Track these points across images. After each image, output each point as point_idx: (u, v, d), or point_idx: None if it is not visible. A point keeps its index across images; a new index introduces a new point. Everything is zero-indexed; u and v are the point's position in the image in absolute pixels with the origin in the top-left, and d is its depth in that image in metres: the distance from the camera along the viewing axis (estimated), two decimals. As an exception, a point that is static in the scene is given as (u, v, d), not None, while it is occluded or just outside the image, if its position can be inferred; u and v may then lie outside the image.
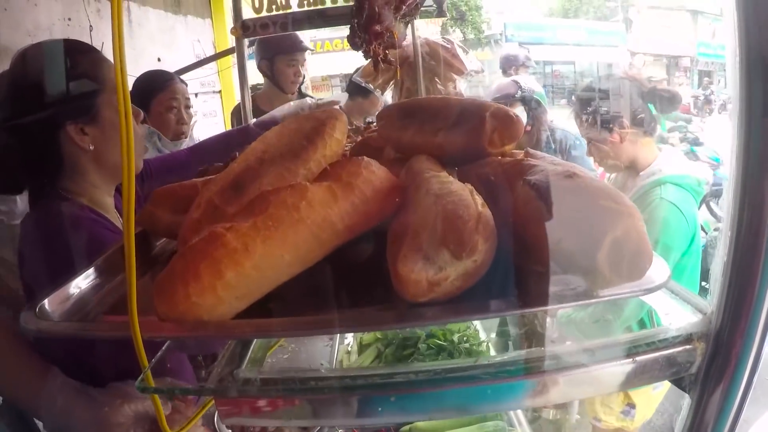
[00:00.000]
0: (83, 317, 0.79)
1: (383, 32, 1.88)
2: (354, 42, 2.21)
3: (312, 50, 3.03)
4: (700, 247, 2.02)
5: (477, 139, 0.87)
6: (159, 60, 4.45)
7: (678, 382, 0.73)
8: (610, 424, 2.24)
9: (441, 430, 1.54)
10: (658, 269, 0.65)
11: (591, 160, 3.26)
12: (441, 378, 0.65)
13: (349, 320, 0.65)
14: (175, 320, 0.62)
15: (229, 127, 3.41)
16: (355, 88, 3.02)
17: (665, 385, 1.98)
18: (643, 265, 0.60)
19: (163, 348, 0.72)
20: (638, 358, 0.68)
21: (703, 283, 3.78)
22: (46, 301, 0.76)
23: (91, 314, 0.80)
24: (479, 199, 0.63)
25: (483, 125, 0.86)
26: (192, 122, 2.44)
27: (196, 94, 5.05)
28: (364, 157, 0.81)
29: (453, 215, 0.59)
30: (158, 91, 2.31)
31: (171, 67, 4.23)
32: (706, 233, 3.83)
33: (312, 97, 3.55)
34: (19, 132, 1.20)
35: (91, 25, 3.45)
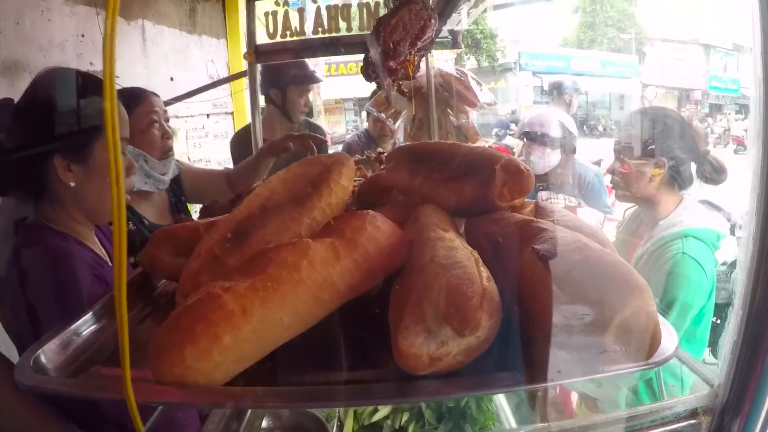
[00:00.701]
0: (81, 368, 0.76)
1: (398, 69, 1.88)
2: (367, 74, 2.21)
3: (322, 80, 3.03)
4: (714, 301, 1.91)
5: (486, 192, 0.85)
6: (172, 79, 4.46)
7: None
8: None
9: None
10: (667, 338, 0.62)
11: (606, 195, 3.23)
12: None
13: (347, 392, 0.62)
14: (170, 383, 0.59)
15: (229, 155, 3.38)
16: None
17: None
18: (651, 348, 0.58)
19: (156, 413, 0.70)
20: None
21: (714, 319, 3.71)
22: (41, 352, 0.74)
23: (89, 365, 0.77)
24: (485, 272, 0.61)
25: (493, 178, 0.84)
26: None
27: (208, 115, 5.05)
28: (369, 211, 0.79)
29: (456, 291, 0.57)
30: (134, 107, 2.08)
31: (184, 87, 4.26)
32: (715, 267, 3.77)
33: (318, 126, 3.56)
34: (16, 146, 1.23)
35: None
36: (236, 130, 3.52)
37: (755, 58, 0.61)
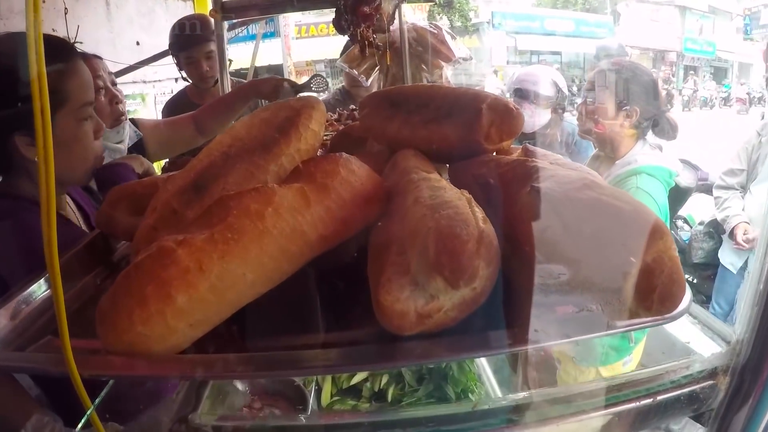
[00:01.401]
0: (32, 338, 0.68)
1: (372, 14, 1.77)
2: (340, 25, 2.11)
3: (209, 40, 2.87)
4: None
5: (472, 134, 0.77)
6: (138, 44, 4.30)
7: (697, 418, 0.64)
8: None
9: None
10: None
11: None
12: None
13: (322, 359, 0.54)
14: (120, 353, 0.51)
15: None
16: None
17: (634, 361, 1.98)
18: (675, 299, 0.50)
19: (107, 387, 0.61)
20: (659, 398, 0.60)
21: (688, 276, 3.76)
22: None
23: (41, 335, 0.69)
24: (480, 212, 0.52)
25: (479, 118, 0.76)
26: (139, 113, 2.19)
27: (176, 79, 4.87)
28: (343, 153, 0.70)
29: (449, 234, 0.47)
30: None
31: (151, 51, 4.07)
32: (691, 227, 3.81)
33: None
34: None
35: (66, 8, 3.30)
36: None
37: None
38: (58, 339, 0.64)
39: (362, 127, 1.07)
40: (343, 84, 3.43)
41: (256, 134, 0.82)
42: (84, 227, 1.40)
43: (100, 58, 1.94)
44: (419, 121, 0.88)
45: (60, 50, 1.21)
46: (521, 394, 0.61)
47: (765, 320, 0.59)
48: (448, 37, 2.81)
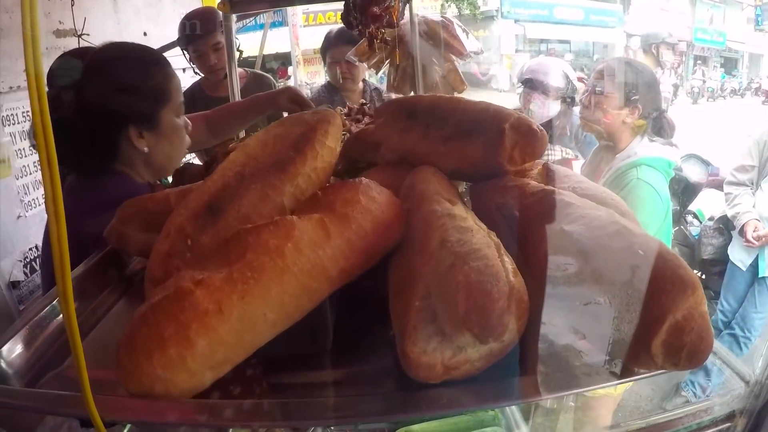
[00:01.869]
0: (47, 367, 0.67)
1: (382, 14, 1.74)
2: (348, 21, 2.07)
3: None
4: (671, 223, 2.17)
5: (494, 155, 0.75)
6: (145, 34, 4.19)
7: None
8: (595, 392, 2.21)
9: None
10: None
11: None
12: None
13: (344, 408, 0.52)
14: (141, 395, 0.50)
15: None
16: None
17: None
18: (702, 356, 0.49)
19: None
20: None
21: (696, 272, 3.74)
22: (4, 351, 0.64)
23: (57, 362, 0.68)
24: (509, 262, 0.50)
25: (502, 140, 0.74)
26: None
27: (184, 69, 4.84)
28: (362, 179, 0.68)
29: (479, 291, 0.45)
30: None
31: (158, 42, 4.04)
32: (701, 222, 3.79)
33: (265, 75, 3.37)
34: (89, 120, 1.28)
35: (73, 1, 3.18)
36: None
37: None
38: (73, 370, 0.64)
39: (377, 136, 1.04)
40: (328, 80, 3.37)
41: (271, 152, 0.80)
42: None
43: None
44: (438, 137, 0.85)
45: (158, 57, 1.42)
46: None
47: None
48: (459, 31, 2.77)
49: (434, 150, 0.85)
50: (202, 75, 3.07)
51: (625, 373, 0.53)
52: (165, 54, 3.80)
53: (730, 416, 0.63)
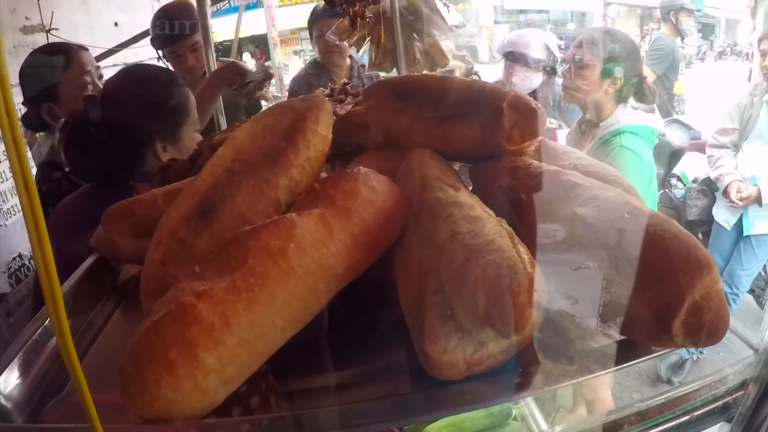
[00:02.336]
0: (46, 395, 0.64)
1: (367, -3, 1.70)
2: (332, 2, 2.02)
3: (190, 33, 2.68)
4: (656, 189, 2.24)
5: (493, 135, 0.72)
6: (116, 25, 4.07)
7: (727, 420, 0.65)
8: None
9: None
10: None
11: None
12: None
13: (372, 413, 0.50)
14: (151, 418, 0.47)
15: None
16: None
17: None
18: (721, 333, 0.49)
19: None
20: (696, 413, 0.61)
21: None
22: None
23: (55, 389, 0.65)
24: (525, 252, 0.49)
25: (500, 119, 0.71)
26: None
27: (158, 58, 4.73)
28: (361, 168, 0.65)
29: (498, 286, 0.44)
30: (63, 70, 1.87)
31: (130, 31, 3.92)
32: (685, 185, 3.87)
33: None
34: (118, 135, 1.36)
35: None
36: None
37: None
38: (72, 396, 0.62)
39: (368, 119, 1.01)
40: (315, 57, 3.32)
41: (261, 144, 0.76)
42: None
43: (86, 49, 1.90)
44: (433, 118, 0.82)
45: (176, 78, 1.58)
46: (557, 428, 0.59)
47: None
48: (440, 5, 2.72)
49: (429, 132, 0.82)
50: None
51: (645, 351, 0.53)
52: (138, 44, 3.72)
53: (743, 384, 0.63)
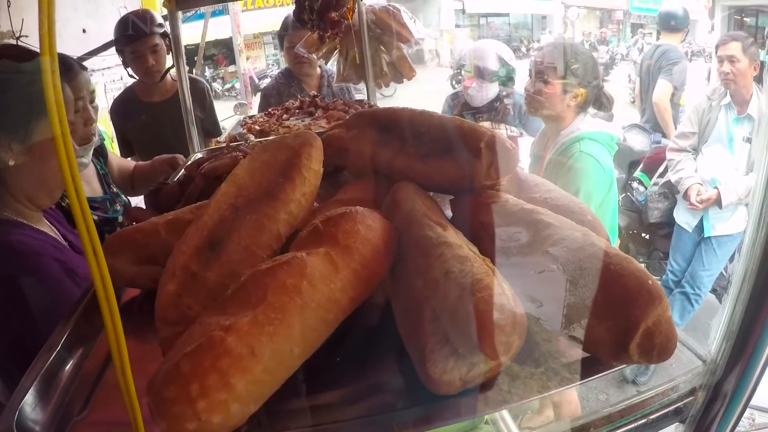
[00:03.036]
0: (66, 415, 0.70)
1: (340, 20, 1.76)
2: (302, 19, 2.07)
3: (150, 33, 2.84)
4: (617, 193, 2.30)
5: (472, 173, 0.81)
6: (84, 31, 4.14)
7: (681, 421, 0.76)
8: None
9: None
10: None
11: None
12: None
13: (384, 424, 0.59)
14: None
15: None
16: None
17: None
18: (669, 352, 0.59)
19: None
20: (652, 417, 0.72)
21: (644, 235, 3.97)
22: (22, 409, 0.66)
23: (74, 409, 0.71)
24: (509, 290, 0.58)
25: (479, 158, 0.80)
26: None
27: (123, 63, 4.70)
28: (358, 208, 0.73)
29: (487, 321, 0.53)
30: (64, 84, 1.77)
31: (97, 38, 3.89)
32: (646, 188, 3.99)
33: (198, 80, 3.32)
34: None
35: (9, 1, 3.07)
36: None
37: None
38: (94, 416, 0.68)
39: (351, 147, 1.08)
40: (286, 66, 3.39)
41: (260, 180, 0.84)
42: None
43: (85, 68, 1.89)
44: (415, 153, 0.91)
45: (16, 65, 1.25)
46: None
47: (735, 350, 0.70)
48: (406, 18, 2.81)
49: (412, 166, 0.91)
50: (137, 78, 3.01)
51: (606, 367, 0.64)
52: (105, 53, 3.65)
53: (692, 391, 0.73)
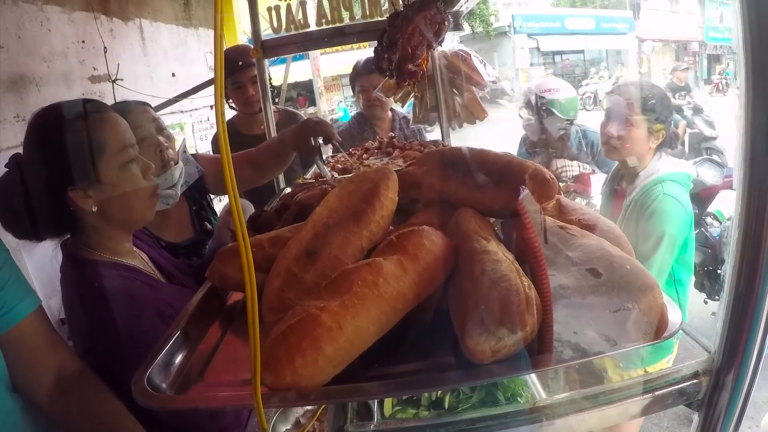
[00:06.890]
0: (184, 383, 0.90)
1: (416, 71, 1.96)
2: (381, 68, 2.26)
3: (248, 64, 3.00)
4: (693, 230, 2.33)
5: (518, 200, 0.98)
6: (173, 75, 4.50)
7: (688, 405, 0.90)
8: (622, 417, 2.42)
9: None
10: (674, 315, 0.80)
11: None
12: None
13: (431, 380, 0.82)
14: (282, 388, 0.75)
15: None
16: None
17: (674, 357, 2.33)
18: (663, 331, 0.77)
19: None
20: (657, 393, 0.87)
21: (719, 271, 3.85)
22: (152, 373, 0.87)
23: (189, 380, 0.91)
24: (526, 281, 0.76)
25: (524, 188, 0.97)
26: (177, 142, 2.09)
27: (211, 106, 4.98)
28: (425, 227, 0.92)
29: (507, 301, 0.72)
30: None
31: (186, 81, 4.26)
32: (720, 223, 3.89)
33: (295, 113, 3.54)
34: (33, 189, 1.29)
35: (105, 47, 3.43)
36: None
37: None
38: (209, 379, 0.89)
39: (422, 181, 1.27)
40: (359, 110, 3.60)
41: (347, 205, 1.04)
42: (159, 277, 1.56)
43: (145, 104, 1.95)
44: (473, 185, 1.09)
45: (91, 109, 1.36)
46: (562, 395, 0.85)
47: (729, 339, 0.84)
48: (477, 62, 2.99)
49: (470, 195, 1.09)
50: (237, 110, 3.22)
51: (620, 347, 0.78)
52: (196, 94, 3.94)
53: (695, 374, 0.88)
